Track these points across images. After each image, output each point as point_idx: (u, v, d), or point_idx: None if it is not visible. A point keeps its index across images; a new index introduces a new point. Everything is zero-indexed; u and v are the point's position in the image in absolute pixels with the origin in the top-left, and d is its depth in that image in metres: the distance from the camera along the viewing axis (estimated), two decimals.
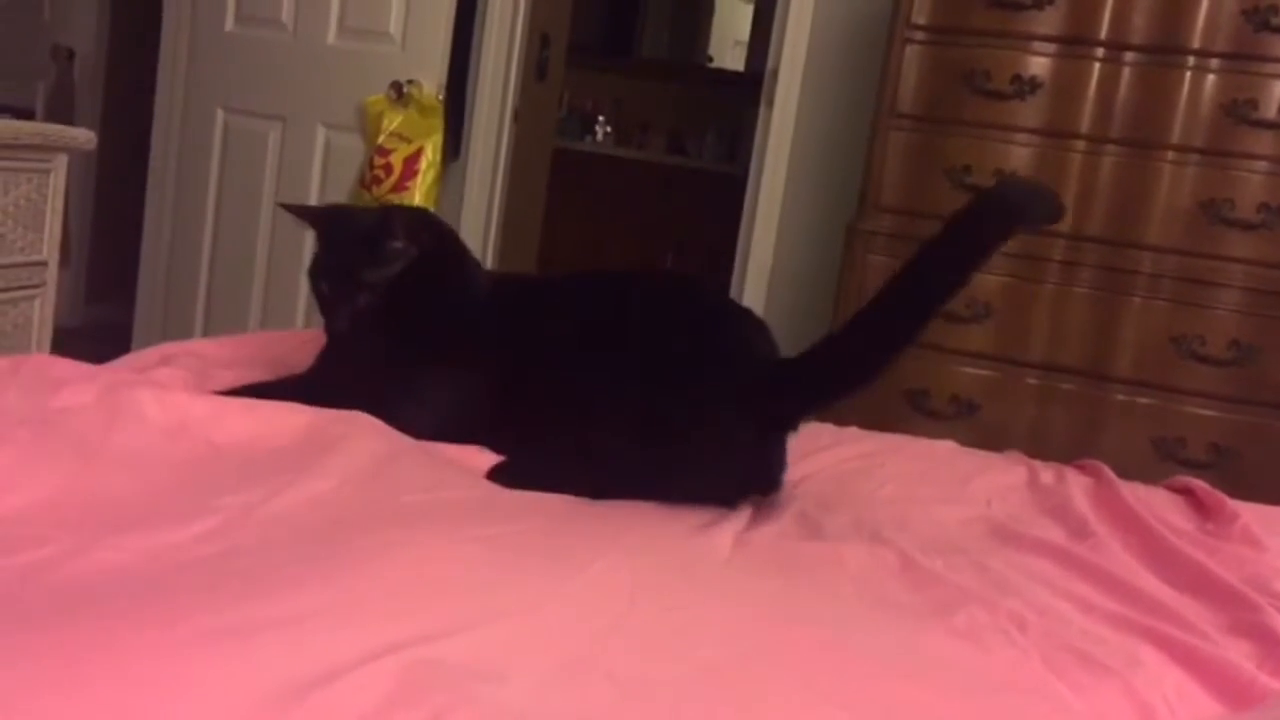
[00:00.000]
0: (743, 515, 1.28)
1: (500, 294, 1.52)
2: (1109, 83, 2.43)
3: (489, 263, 3.47)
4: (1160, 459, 2.41)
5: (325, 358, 1.51)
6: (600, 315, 1.42)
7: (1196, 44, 2.37)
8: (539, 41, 3.77)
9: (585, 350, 1.37)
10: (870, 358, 1.31)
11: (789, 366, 1.37)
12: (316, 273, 1.46)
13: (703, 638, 0.93)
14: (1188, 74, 2.38)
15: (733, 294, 3.33)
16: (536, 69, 3.80)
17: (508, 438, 1.37)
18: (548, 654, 0.84)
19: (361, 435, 1.25)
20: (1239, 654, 1.04)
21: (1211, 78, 2.37)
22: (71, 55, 4.19)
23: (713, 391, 1.33)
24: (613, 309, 1.43)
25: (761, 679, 0.86)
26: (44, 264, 2.46)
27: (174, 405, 1.21)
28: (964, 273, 1.29)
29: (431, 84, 3.26)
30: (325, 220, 1.53)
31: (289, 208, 1.58)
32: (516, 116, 3.60)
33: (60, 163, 2.46)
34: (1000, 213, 1.32)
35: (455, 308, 1.47)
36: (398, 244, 1.43)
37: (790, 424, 1.39)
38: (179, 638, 0.72)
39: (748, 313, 1.50)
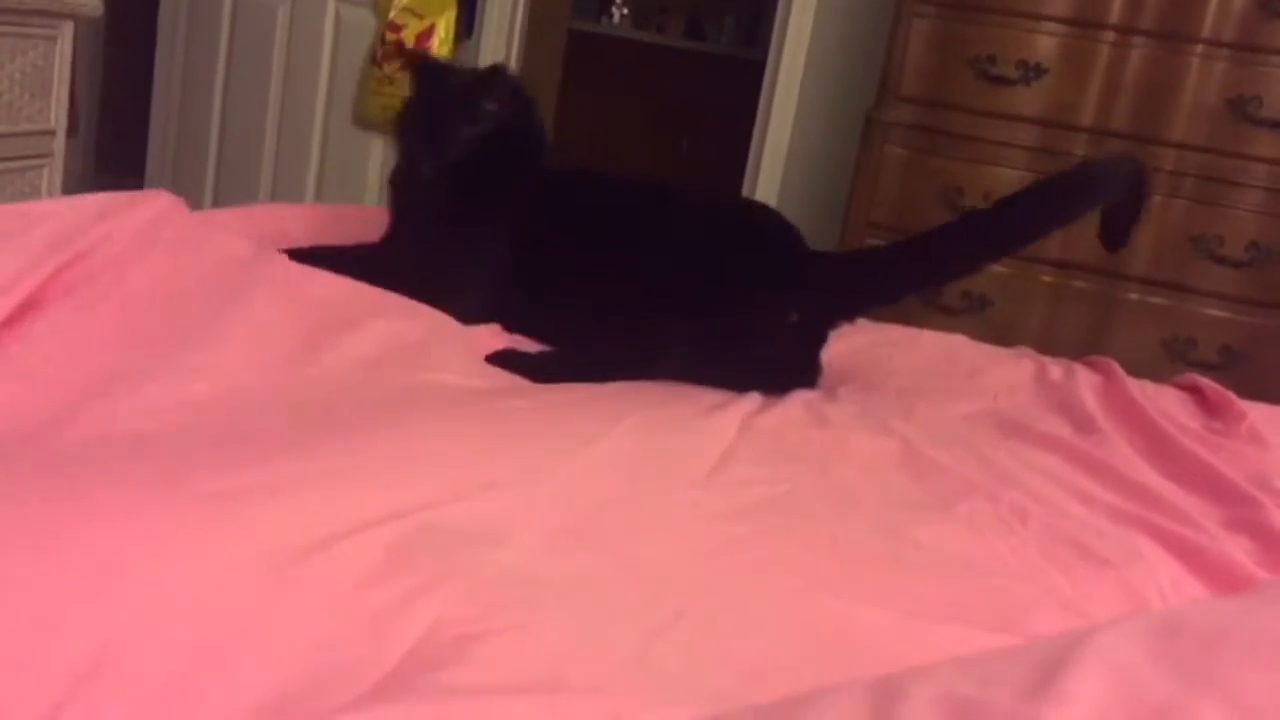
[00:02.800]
0: (750, 401, 1.29)
1: (565, 186, 1.54)
2: None
3: None
4: (1170, 359, 2.40)
5: (394, 229, 1.53)
6: (657, 219, 1.45)
7: None
8: None
9: (635, 247, 1.41)
10: (925, 273, 1.43)
11: (844, 260, 1.47)
12: (405, 121, 1.49)
13: (699, 520, 0.94)
14: None
15: (747, 181, 3.30)
16: None
17: (549, 322, 1.40)
18: (543, 523, 0.85)
19: (385, 315, 1.25)
20: (1238, 549, 1.05)
21: None
22: None
23: (759, 275, 1.37)
24: (670, 213, 1.47)
25: (753, 563, 0.87)
26: (52, 133, 2.44)
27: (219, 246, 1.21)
28: (1036, 231, 1.41)
29: None
30: (423, 70, 1.55)
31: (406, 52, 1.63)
32: None
33: (66, 30, 2.41)
34: (1089, 185, 1.38)
35: (522, 184, 1.49)
36: (490, 105, 1.46)
37: (839, 316, 1.43)
38: (174, 499, 0.73)
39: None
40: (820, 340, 1.43)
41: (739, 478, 1.05)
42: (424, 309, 1.33)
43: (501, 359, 1.30)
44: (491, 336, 1.37)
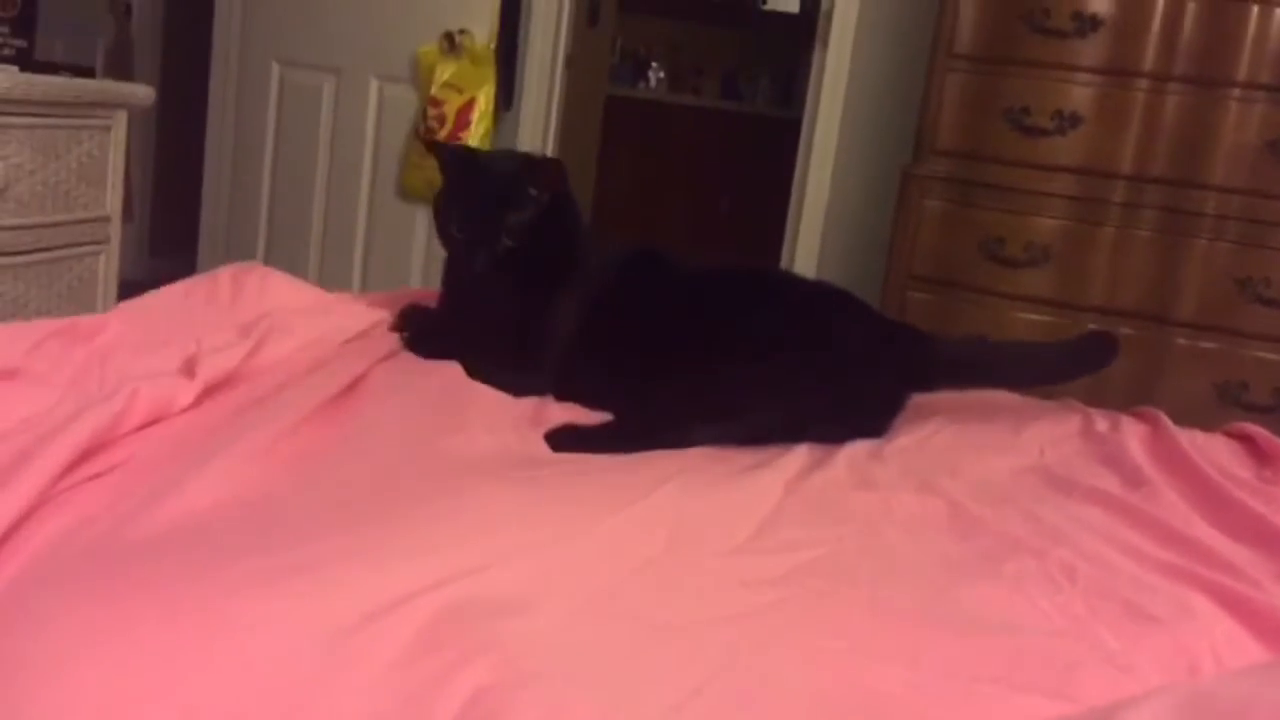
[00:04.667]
0: (795, 461, 1.29)
1: (636, 262, 1.57)
2: (1173, 17, 2.35)
3: None
4: (1222, 404, 2.37)
5: (451, 304, 1.57)
6: (740, 293, 1.52)
7: None
8: None
9: (720, 317, 1.46)
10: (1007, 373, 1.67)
11: (934, 342, 1.60)
12: (448, 211, 1.51)
13: (735, 585, 0.94)
14: (1255, 7, 2.30)
15: (787, 239, 3.32)
16: (588, 14, 3.77)
17: (617, 391, 1.42)
18: (574, 588, 0.85)
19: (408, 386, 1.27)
20: None
21: None
22: (129, 9, 4.23)
23: (861, 339, 1.49)
24: (753, 286, 1.56)
25: (788, 627, 0.87)
26: (108, 219, 2.51)
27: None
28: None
29: (483, 33, 3.25)
30: (451, 158, 1.56)
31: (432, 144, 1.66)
32: (569, 63, 3.57)
33: (121, 119, 2.49)
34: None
35: (575, 257, 1.53)
36: (534, 191, 1.49)
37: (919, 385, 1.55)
38: (224, 582, 0.75)
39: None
40: (900, 405, 1.52)
41: (781, 540, 1.06)
42: (446, 371, 1.36)
43: (563, 439, 1.29)
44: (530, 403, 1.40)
